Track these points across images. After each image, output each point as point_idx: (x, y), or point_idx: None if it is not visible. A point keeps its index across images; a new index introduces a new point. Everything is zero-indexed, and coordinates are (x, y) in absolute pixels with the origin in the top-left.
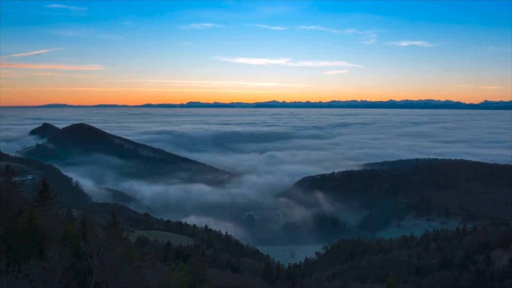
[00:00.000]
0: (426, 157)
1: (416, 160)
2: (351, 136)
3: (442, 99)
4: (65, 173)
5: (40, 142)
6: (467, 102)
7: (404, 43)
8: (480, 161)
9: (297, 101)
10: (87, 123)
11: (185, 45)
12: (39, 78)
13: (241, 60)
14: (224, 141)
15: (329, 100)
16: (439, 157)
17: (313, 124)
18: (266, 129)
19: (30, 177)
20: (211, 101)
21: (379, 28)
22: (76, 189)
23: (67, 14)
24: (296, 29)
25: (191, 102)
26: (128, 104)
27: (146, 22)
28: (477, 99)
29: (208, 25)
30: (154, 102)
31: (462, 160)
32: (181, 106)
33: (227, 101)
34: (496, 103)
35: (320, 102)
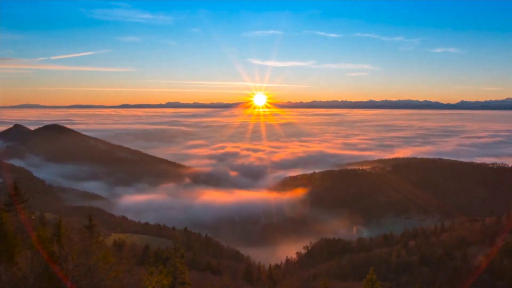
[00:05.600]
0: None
1: (395, 159)
2: None
3: (421, 99)
4: (38, 176)
5: (11, 144)
6: (445, 102)
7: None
8: (457, 159)
9: (279, 101)
10: (60, 124)
11: (229, 50)
12: (30, 79)
13: (270, 63)
14: None
15: (309, 101)
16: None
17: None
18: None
19: (0, 180)
20: (191, 101)
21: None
22: (49, 192)
23: (153, 22)
24: (350, 36)
25: (170, 103)
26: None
27: (211, 28)
28: (454, 100)
29: (271, 32)
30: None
31: (439, 159)
32: (160, 106)
33: (207, 101)
34: (473, 103)
35: (301, 102)
